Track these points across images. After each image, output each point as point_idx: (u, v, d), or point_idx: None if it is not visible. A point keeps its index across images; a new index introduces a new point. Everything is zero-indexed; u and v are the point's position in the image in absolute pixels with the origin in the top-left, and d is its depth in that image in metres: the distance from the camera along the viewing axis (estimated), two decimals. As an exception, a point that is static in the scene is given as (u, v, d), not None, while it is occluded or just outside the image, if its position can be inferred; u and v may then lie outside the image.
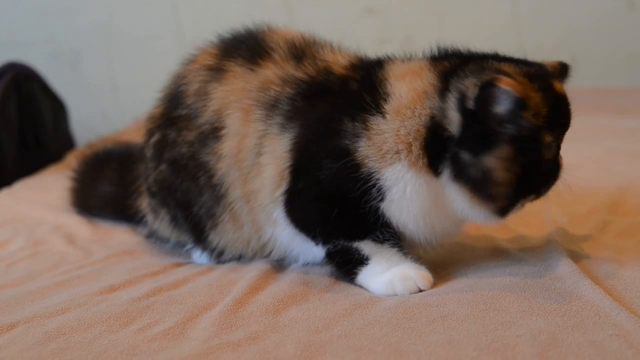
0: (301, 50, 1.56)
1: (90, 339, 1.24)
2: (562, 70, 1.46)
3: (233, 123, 1.52)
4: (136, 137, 1.77)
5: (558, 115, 1.35)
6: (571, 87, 3.54)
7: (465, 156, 1.33)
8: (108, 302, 1.42)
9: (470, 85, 1.33)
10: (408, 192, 1.39)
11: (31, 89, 3.31)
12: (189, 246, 1.69)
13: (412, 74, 1.42)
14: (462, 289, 1.36)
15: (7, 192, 2.59)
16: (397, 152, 1.37)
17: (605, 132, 2.82)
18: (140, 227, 1.86)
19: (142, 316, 1.33)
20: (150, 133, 1.69)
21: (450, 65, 1.40)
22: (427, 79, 1.39)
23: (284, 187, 1.47)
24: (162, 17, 3.89)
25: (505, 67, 1.36)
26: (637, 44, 3.54)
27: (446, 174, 1.36)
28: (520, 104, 1.27)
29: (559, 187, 1.41)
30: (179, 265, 1.66)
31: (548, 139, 1.33)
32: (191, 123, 1.58)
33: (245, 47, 1.59)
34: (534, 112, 1.30)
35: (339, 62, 1.53)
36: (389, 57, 1.52)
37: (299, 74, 1.51)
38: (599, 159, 2.40)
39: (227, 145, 1.52)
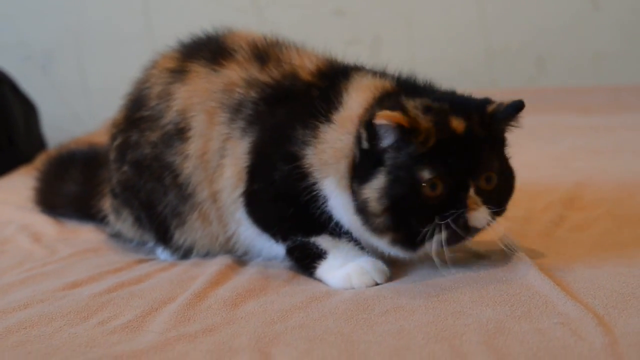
0: (264, 52, 1.57)
1: (50, 333, 1.27)
2: (513, 108, 1.38)
3: (198, 125, 1.54)
4: (107, 138, 1.79)
5: (445, 153, 1.31)
6: (537, 87, 3.59)
7: (354, 187, 1.36)
8: (70, 297, 1.44)
9: (362, 125, 1.36)
10: (337, 206, 1.42)
11: (2, 91, 3.31)
12: (151, 244, 1.71)
13: (373, 88, 1.43)
14: (417, 281, 1.39)
15: (-24, 193, 2.60)
16: (329, 165, 1.40)
17: (569, 130, 2.86)
18: (104, 226, 1.88)
19: (103, 310, 1.36)
20: (113, 137, 1.71)
21: (381, 96, 1.41)
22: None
23: (242, 187, 1.50)
24: (133, 18, 3.89)
25: (406, 101, 1.35)
26: (602, 44, 3.58)
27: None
28: (403, 130, 1.29)
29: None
30: (142, 261, 1.68)
31: (426, 175, 1.30)
32: (154, 124, 1.60)
33: (207, 49, 1.61)
34: (422, 140, 1.30)
35: (305, 67, 1.54)
36: (359, 67, 1.53)
37: (264, 78, 1.53)
38: (560, 156, 2.44)
39: (193, 147, 1.55)
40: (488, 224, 1.37)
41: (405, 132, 1.29)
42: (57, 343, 1.22)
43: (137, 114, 1.64)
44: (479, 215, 1.33)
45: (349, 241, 1.46)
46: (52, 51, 3.97)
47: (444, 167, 1.31)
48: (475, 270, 1.41)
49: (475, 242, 1.58)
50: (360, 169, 1.35)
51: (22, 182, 2.35)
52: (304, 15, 3.73)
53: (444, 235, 1.33)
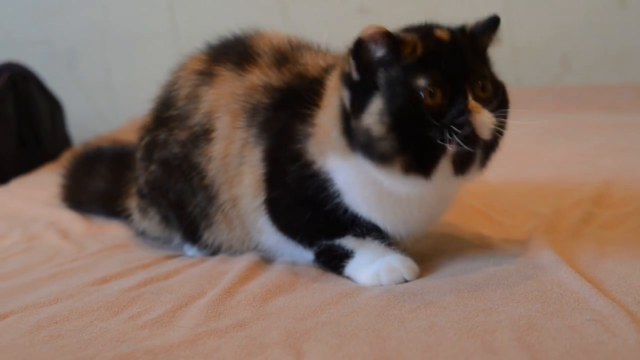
0: (284, 57, 1.57)
1: (80, 327, 1.27)
2: (488, 24, 1.45)
3: (222, 127, 1.55)
4: (132, 136, 1.80)
5: (435, 60, 1.31)
6: (562, 85, 3.56)
7: (353, 124, 1.33)
8: (100, 292, 1.45)
9: (347, 59, 1.35)
10: (349, 181, 1.40)
11: (28, 88, 3.33)
12: (178, 242, 1.72)
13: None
14: (446, 278, 1.39)
15: (3, 189, 2.62)
16: (324, 143, 1.40)
17: (595, 128, 2.84)
18: (130, 224, 1.88)
19: (133, 305, 1.37)
20: (141, 137, 1.72)
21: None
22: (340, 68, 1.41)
23: (262, 196, 1.50)
24: (158, 16, 3.91)
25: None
26: (627, 41, 3.55)
27: (357, 152, 1.35)
28: (391, 40, 1.30)
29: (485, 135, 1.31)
30: (170, 257, 1.68)
31: (422, 82, 1.29)
32: (183, 123, 1.60)
33: (234, 53, 1.61)
34: (410, 51, 1.31)
35: (317, 65, 1.53)
36: None
37: (277, 83, 1.53)
38: (586, 154, 2.43)
39: (217, 149, 1.55)
40: (496, 134, 1.33)
41: (393, 42, 1.30)
42: (88, 337, 1.23)
43: (165, 113, 1.64)
44: (484, 118, 1.30)
45: (375, 239, 1.45)
46: (77, 49, 4.00)
47: (438, 73, 1.31)
48: (505, 267, 1.40)
49: (501, 238, 1.58)
50: (355, 104, 1.33)
51: (49, 179, 2.37)
52: (328, 13, 3.73)
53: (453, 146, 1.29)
